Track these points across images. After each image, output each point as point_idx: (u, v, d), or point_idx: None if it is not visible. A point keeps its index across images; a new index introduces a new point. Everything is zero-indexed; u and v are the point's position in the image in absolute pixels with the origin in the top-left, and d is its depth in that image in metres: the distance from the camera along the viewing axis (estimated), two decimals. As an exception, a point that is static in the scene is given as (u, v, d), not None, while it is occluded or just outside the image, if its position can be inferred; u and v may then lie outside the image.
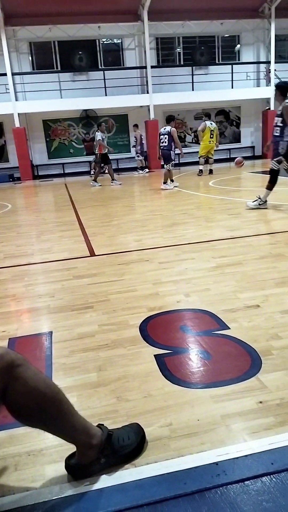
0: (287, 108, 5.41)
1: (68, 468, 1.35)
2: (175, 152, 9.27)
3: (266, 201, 5.82)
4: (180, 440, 1.46)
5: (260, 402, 1.63)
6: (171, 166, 9.19)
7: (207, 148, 11.35)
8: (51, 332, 2.42)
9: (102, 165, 11.26)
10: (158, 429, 1.52)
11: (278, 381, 1.76)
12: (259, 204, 5.80)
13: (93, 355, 2.10)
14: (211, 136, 11.24)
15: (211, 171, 11.66)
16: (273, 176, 5.74)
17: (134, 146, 14.45)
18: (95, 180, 11.14)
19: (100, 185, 10.96)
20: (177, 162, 16.47)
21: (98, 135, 10.87)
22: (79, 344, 2.23)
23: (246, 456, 1.37)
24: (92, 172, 11.62)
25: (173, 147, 9.02)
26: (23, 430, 1.54)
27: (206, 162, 11.77)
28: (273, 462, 1.33)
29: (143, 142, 14.30)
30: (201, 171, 11.62)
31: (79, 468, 1.33)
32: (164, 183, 9.17)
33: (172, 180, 9.28)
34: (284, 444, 1.40)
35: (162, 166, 9.74)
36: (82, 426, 1.32)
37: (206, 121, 11.35)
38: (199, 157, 11.65)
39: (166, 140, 8.95)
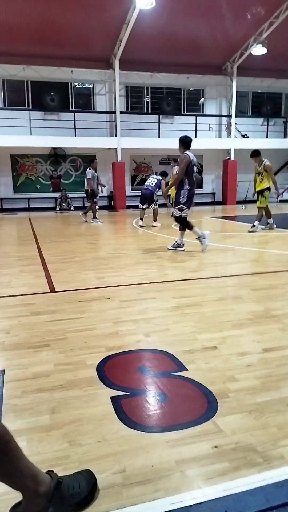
0: (185, 159, 5.93)
1: (13, 519, 1.26)
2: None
3: (182, 242, 6.27)
4: (134, 487, 1.41)
5: (216, 447, 1.61)
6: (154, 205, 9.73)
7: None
8: (3, 371, 2.31)
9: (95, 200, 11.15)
10: (111, 476, 1.46)
11: (233, 424, 1.75)
12: (177, 247, 6.24)
13: (47, 396, 2.02)
14: None
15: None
16: (182, 221, 6.23)
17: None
18: (95, 217, 10.95)
19: (102, 222, 10.89)
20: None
21: (89, 173, 10.77)
22: (33, 384, 2.14)
23: (200, 503, 1.33)
24: (82, 212, 11.38)
25: (156, 190, 9.55)
26: None
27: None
28: (226, 510, 1.30)
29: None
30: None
31: (24, 519, 1.25)
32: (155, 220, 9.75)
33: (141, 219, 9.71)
34: (238, 490, 1.39)
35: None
36: (30, 471, 1.25)
37: (174, 167, 11.84)
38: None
39: (154, 183, 9.52)
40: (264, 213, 8.37)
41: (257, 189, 8.35)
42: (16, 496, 1.28)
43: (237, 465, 1.50)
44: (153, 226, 9.51)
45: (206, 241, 6.07)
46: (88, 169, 10.84)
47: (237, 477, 1.44)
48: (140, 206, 9.72)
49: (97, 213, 11.17)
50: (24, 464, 1.24)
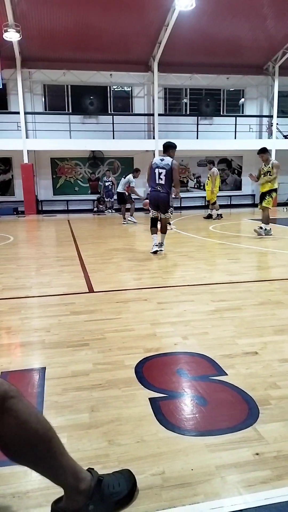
0: (175, 166, 6.00)
1: (54, 513, 1.29)
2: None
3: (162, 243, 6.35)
4: (173, 490, 1.40)
5: (257, 454, 1.57)
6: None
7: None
8: (44, 368, 2.37)
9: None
10: (150, 477, 1.46)
11: (275, 432, 1.70)
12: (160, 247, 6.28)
13: (86, 394, 2.05)
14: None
15: (210, 216, 11.90)
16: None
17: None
18: (132, 215, 11.47)
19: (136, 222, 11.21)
20: (179, 206, 16.86)
21: (133, 182, 11.05)
22: (72, 382, 2.18)
23: (241, 510, 1.31)
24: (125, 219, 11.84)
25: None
26: (9, 469, 1.48)
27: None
28: (269, 520, 1.27)
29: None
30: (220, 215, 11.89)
31: (65, 514, 1.27)
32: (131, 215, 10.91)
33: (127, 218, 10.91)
34: (280, 499, 1.34)
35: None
36: (72, 468, 1.27)
37: (214, 168, 11.77)
38: (214, 203, 11.87)
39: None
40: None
41: (265, 190, 7.85)
42: (57, 492, 1.30)
43: (279, 474, 1.46)
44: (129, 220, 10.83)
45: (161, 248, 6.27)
46: (131, 175, 11.05)
47: (279, 486, 1.40)
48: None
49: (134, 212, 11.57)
50: (66, 460, 1.26)
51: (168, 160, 6.04)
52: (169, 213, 6.41)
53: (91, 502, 1.27)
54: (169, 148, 6.21)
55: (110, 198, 15.10)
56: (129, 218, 11.23)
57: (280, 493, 1.37)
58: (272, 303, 3.58)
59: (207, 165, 12.24)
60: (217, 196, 11.96)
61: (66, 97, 16.17)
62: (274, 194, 7.90)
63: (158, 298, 3.80)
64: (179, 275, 4.83)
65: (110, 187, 15.03)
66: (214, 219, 11.62)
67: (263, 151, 7.87)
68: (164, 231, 6.42)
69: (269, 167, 7.76)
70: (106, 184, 15.12)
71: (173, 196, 6.38)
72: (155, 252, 6.10)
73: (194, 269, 5.14)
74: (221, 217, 11.82)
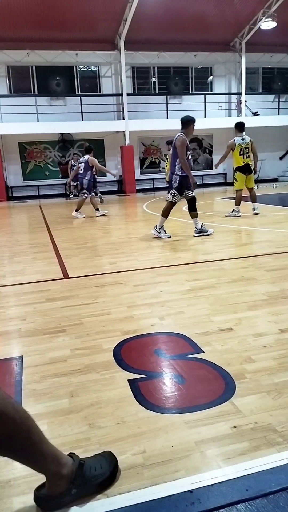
0: (180, 140, 5.64)
1: (37, 499, 1.29)
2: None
3: (162, 227, 5.99)
4: (154, 468, 1.43)
5: (234, 427, 1.62)
6: (92, 194, 9.24)
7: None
8: (21, 357, 2.35)
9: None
10: (131, 457, 1.48)
11: (251, 405, 1.76)
12: (159, 232, 5.94)
13: (65, 380, 2.05)
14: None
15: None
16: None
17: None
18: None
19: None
20: (151, 187, 16.78)
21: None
22: (51, 369, 2.17)
23: (220, 483, 1.35)
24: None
25: (88, 175, 9.06)
26: (-11, 460, 1.47)
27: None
28: (247, 489, 1.31)
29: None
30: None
31: (48, 500, 1.28)
32: (76, 210, 9.16)
33: (97, 209, 9.25)
34: (258, 469, 1.39)
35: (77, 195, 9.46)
36: (52, 454, 1.27)
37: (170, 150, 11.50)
38: None
39: (83, 168, 9.11)
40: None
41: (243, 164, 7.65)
42: (39, 478, 1.30)
43: (256, 445, 1.51)
44: (73, 216, 9.15)
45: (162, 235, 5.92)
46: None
47: (257, 457, 1.45)
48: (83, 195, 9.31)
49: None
50: (47, 447, 1.26)
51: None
52: (170, 195, 5.88)
53: (74, 486, 1.28)
54: (181, 123, 5.94)
55: (78, 182, 14.62)
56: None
57: (258, 463, 1.42)
58: (245, 279, 3.65)
59: (166, 145, 11.91)
60: None
61: (32, 79, 15.62)
62: (237, 174, 7.76)
63: (134, 280, 3.81)
64: (155, 256, 4.84)
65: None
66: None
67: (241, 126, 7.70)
68: (163, 214, 5.97)
69: (247, 143, 7.62)
70: (74, 168, 14.81)
71: (178, 174, 5.71)
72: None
73: (169, 250, 5.16)
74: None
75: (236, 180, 7.84)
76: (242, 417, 1.67)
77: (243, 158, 7.65)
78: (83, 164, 9.15)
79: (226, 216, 7.71)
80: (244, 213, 7.77)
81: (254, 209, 7.77)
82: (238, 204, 7.73)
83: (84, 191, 9.22)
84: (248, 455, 1.46)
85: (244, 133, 7.75)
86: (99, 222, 8.46)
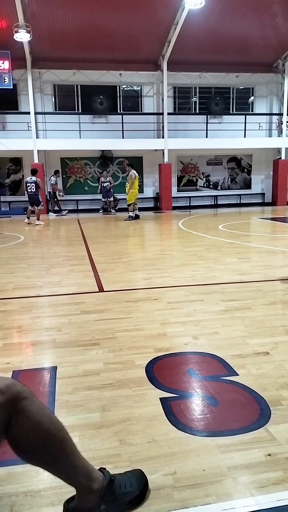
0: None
1: (66, 512, 1.29)
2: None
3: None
4: (184, 490, 1.40)
5: (269, 455, 1.56)
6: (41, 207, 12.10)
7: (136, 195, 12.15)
8: (55, 367, 2.38)
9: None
10: (161, 478, 1.46)
11: (287, 433, 1.69)
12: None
13: (97, 394, 2.06)
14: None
15: (132, 218, 12.03)
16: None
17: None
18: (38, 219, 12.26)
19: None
20: (187, 205, 16.82)
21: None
22: (83, 382, 2.19)
23: (253, 512, 1.30)
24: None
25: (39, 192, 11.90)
26: (21, 468, 1.50)
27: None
28: (282, 522, 1.26)
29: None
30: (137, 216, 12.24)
31: (77, 514, 1.27)
32: (37, 219, 11.71)
33: (38, 219, 11.62)
34: (293, 502, 1.33)
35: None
36: (84, 468, 1.27)
37: (132, 170, 11.87)
38: (130, 205, 12.12)
39: (34, 187, 11.78)
40: None
41: None
42: (69, 491, 1.31)
43: (292, 476, 1.45)
44: (36, 224, 11.38)
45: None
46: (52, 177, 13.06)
47: (292, 488, 1.39)
48: (29, 208, 11.97)
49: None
50: (79, 460, 1.26)
51: None
52: None
53: (103, 501, 1.27)
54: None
55: (108, 198, 15.25)
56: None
57: (293, 495, 1.36)
58: (282, 302, 3.55)
59: (126, 168, 12.26)
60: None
61: (76, 97, 16.20)
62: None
63: (168, 297, 3.80)
64: (189, 274, 4.82)
65: (108, 187, 15.14)
66: (125, 220, 11.86)
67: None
68: None
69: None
70: (104, 185, 15.17)
71: None
72: None
73: (204, 269, 5.12)
74: (132, 219, 11.91)
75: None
76: (277, 445, 1.61)
77: None
78: (33, 185, 11.81)
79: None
80: (281, 235, 7.61)
81: None
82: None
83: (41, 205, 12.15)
84: (282, 485, 1.41)
85: None
86: (135, 238, 8.54)
